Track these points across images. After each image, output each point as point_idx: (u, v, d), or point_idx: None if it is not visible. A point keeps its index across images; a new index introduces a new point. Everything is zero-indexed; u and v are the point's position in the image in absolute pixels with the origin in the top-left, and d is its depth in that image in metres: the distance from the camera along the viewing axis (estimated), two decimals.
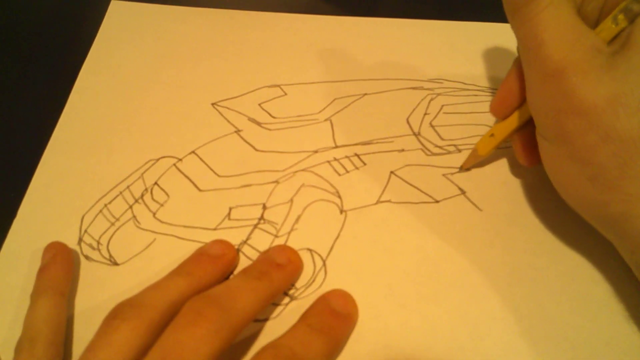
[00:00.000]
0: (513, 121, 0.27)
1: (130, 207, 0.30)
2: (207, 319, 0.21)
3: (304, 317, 0.24)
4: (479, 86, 0.34)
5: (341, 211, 0.29)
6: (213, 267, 0.26)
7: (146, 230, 0.29)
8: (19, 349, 0.24)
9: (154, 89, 0.35)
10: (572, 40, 0.22)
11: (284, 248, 0.27)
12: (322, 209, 0.29)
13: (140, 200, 0.30)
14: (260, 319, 0.26)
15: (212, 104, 0.34)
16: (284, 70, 0.35)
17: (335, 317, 0.24)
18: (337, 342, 0.24)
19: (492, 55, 0.35)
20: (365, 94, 0.34)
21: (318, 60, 0.36)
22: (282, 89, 0.34)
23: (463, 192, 0.29)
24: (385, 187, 0.30)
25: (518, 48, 0.26)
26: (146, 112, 0.34)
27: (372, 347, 0.25)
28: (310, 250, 0.28)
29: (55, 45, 0.39)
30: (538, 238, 0.28)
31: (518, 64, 0.26)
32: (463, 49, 0.36)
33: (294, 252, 0.27)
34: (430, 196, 0.29)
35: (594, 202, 0.23)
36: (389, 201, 0.29)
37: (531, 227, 0.28)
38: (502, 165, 0.30)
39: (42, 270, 0.27)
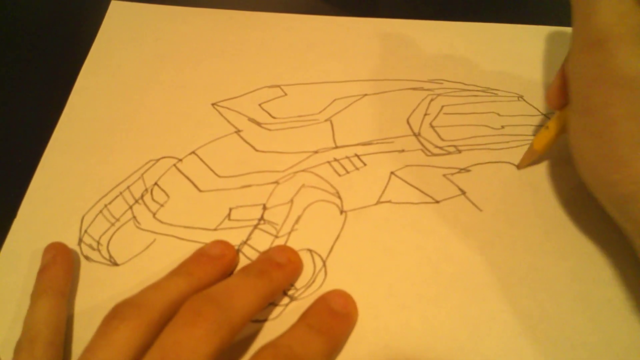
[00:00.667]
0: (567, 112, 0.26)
1: (130, 207, 0.30)
2: (206, 319, 0.21)
3: (304, 316, 0.24)
4: (479, 86, 0.34)
5: (341, 212, 0.29)
6: (213, 267, 0.26)
7: (146, 230, 0.29)
8: (18, 349, 0.24)
9: (154, 89, 0.35)
10: (622, 13, 0.22)
11: (284, 248, 0.27)
12: (322, 209, 0.29)
13: (140, 201, 0.30)
14: (260, 320, 0.26)
15: (212, 104, 0.34)
16: (284, 71, 0.35)
17: (334, 316, 0.24)
18: (337, 342, 0.24)
19: (492, 55, 0.35)
20: (366, 95, 0.34)
21: (318, 60, 0.36)
22: (282, 89, 0.34)
23: (463, 192, 0.29)
24: (386, 187, 0.30)
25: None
26: (146, 112, 0.34)
27: (372, 347, 0.25)
28: (310, 250, 0.28)
29: (55, 45, 0.39)
30: (538, 238, 0.28)
31: None
32: (463, 50, 0.36)
33: (294, 252, 0.27)
34: (430, 196, 0.29)
35: (605, 181, 0.23)
36: (389, 201, 0.29)
37: (531, 228, 0.28)
38: (502, 166, 0.30)
39: (42, 271, 0.27)
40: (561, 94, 0.26)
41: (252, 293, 0.23)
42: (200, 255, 0.26)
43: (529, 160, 0.29)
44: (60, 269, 0.27)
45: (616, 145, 0.22)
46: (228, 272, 0.27)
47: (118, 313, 0.22)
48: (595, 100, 0.22)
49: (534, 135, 0.31)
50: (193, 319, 0.21)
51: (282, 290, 0.26)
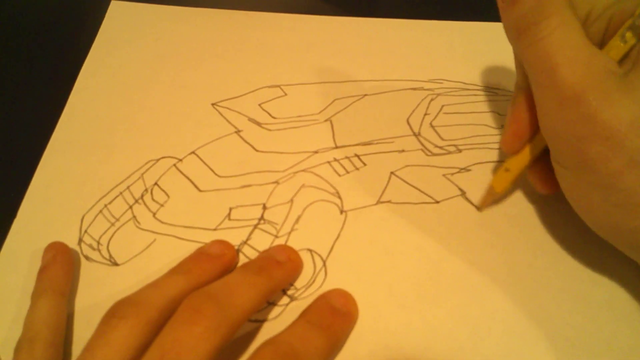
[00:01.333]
0: (527, 153, 0.26)
1: (130, 207, 0.30)
2: (205, 316, 0.21)
3: (304, 314, 0.24)
4: (479, 86, 0.34)
5: (341, 211, 0.29)
6: (212, 266, 0.25)
7: (146, 230, 0.29)
8: (18, 349, 0.24)
9: (154, 89, 0.35)
10: (586, 62, 0.21)
11: (284, 247, 0.27)
12: (322, 209, 0.29)
13: (140, 201, 0.30)
14: (259, 320, 0.26)
15: (212, 104, 0.34)
16: (284, 71, 0.35)
17: (335, 314, 0.24)
18: (337, 339, 0.24)
19: (492, 55, 0.35)
20: (366, 95, 0.34)
21: (318, 60, 0.36)
22: (282, 89, 0.34)
23: (463, 192, 0.29)
24: (386, 187, 0.30)
25: (519, 76, 0.25)
26: (146, 112, 0.34)
27: (372, 347, 0.25)
28: (310, 250, 0.28)
29: (55, 45, 0.39)
30: (538, 238, 0.28)
31: (525, 92, 0.25)
32: (463, 49, 0.36)
33: (294, 252, 0.27)
34: (430, 196, 0.29)
35: (624, 229, 0.22)
36: (389, 202, 0.29)
37: (531, 228, 0.28)
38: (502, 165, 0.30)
39: (42, 271, 0.27)
40: (517, 138, 0.26)
41: (251, 290, 0.23)
42: (200, 254, 0.26)
43: (490, 201, 0.29)
44: (61, 268, 0.26)
45: (629, 193, 0.21)
46: (227, 272, 0.26)
47: (117, 312, 0.22)
48: (592, 156, 0.21)
49: None
50: (192, 316, 0.21)
51: (282, 288, 0.26)
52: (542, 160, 0.26)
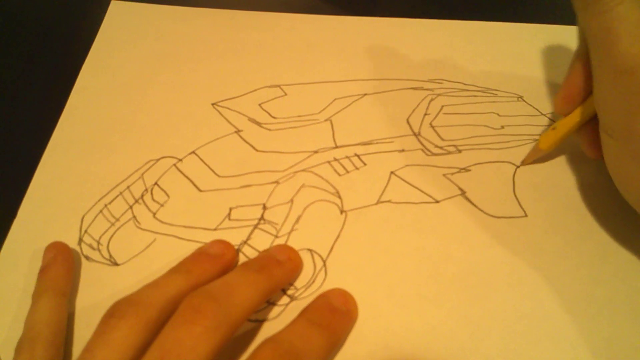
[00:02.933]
0: (576, 116, 0.27)
1: (130, 207, 0.30)
2: (205, 316, 0.21)
3: (304, 312, 0.24)
4: (479, 86, 0.34)
5: (341, 211, 0.29)
6: (212, 265, 0.25)
7: (146, 230, 0.29)
8: (19, 349, 0.24)
9: (154, 89, 0.35)
10: None
11: (284, 246, 0.27)
12: (322, 209, 0.29)
13: (140, 201, 0.30)
14: (259, 319, 0.26)
15: (212, 104, 0.34)
16: (284, 70, 0.35)
17: (335, 313, 0.24)
18: (337, 338, 0.24)
19: (492, 55, 0.35)
20: (366, 94, 0.34)
21: (318, 60, 0.36)
22: (282, 89, 0.34)
23: (463, 192, 0.29)
24: (386, 187, 0.30)
25: (580, 43, 0.26)
26: (146, 112, 0.34)
27: (372, 347, 0.25)
28: (310, 250, 0.28)
29: (55, 45, 0.39)
30: (538, 238, 0.28)
31: (583, 59, 0.26)
32: (463, 49, 0.36)
33: (294, 251, 0.27)
34: (430, 196, 0.29)
35: None
36: (389, 201, 0.29)
37: (531, 227, 0.28)
38: (502, 166, 0.30)
39: (43, 271, 0.27)
40: (569, 101, 0.27)
41: (251, 289, 0.23)
42: (200, 254, 0.26)
43: (533, 158, 0.30)
44: (61, 268, 0.27)
45: None
46: (227, 272, 0.27)
47: (116, 311, 0.22)
48: (636, 129, 0.22)
49: (539, 134, 0.31)
50: (192, 316, 0.21)
51: (282, 287, 0.26)
52: (591, 126, 0.27)
